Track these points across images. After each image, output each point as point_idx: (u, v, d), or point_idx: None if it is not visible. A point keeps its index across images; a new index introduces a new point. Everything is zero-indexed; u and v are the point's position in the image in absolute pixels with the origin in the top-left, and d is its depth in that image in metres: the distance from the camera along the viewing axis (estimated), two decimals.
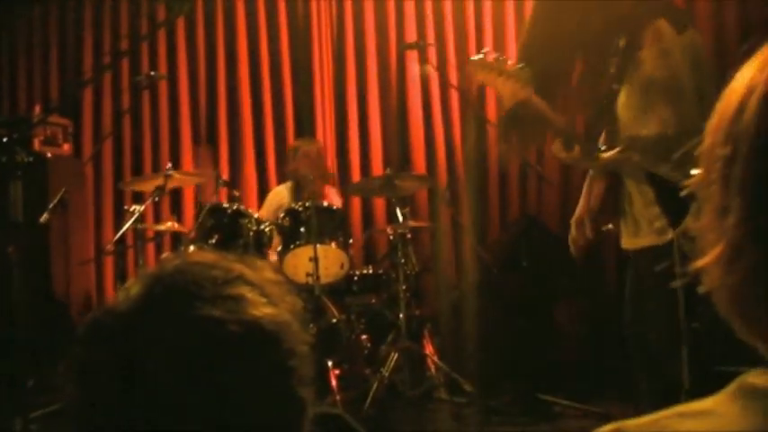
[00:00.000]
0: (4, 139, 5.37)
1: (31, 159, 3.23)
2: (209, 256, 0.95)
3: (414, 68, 6.36)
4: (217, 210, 5.21)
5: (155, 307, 0.88)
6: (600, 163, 2.84)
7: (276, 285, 0.95)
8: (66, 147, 6.42)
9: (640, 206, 2.88)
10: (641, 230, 2.89)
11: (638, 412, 0.77)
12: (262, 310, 0.90)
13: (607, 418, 4.57)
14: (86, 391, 0.87)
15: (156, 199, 5.21)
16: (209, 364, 0.85)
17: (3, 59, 7.07)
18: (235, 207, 5.24)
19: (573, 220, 3.06)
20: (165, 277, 0.91)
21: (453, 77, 6.37)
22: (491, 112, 6.29)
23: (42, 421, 4.64)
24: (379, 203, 6.36)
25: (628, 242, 2.97)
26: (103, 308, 0.92)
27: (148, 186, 5.23)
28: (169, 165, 5.29)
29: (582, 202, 3.07)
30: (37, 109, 6.41)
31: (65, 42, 6.98)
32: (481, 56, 2.91)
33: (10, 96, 7.05)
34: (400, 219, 5.08)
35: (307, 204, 5.17)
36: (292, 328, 0.92)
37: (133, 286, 0.92)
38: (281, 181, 6.37)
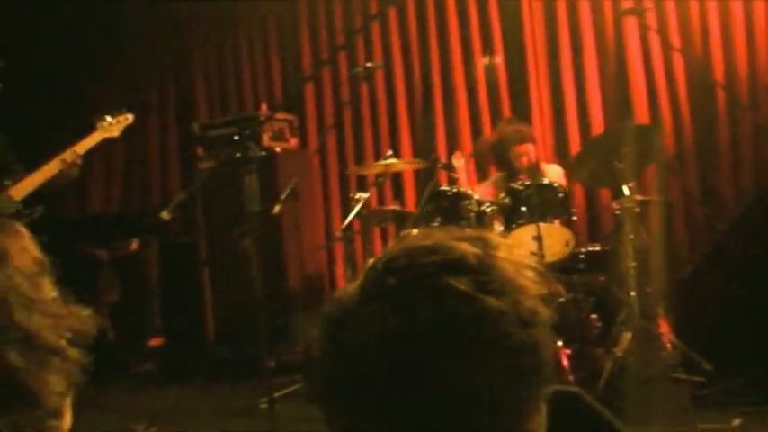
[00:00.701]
0: (235, 137, 5.73)
1: (263, 153, 3.40)
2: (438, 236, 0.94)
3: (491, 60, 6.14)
4: (437, 193, 5.26)
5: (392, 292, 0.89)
6: None
7: (512, 264, 0.93)
8: (293, 141, 6.74)
9: None
10: None
11: None
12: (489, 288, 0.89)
13: None
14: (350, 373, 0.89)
15: (381, 182, 5.33)
16: (469, 342, 0.86)
17: (228, 62, 7.50)
18: (455, 189, 5.27)
19: None
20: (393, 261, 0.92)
21: (675, 40, 6.06)
22: (718, 73, 5.93)
23: (284, 401, 4.89)
24: None
25: None
26: (338, 293, 0.95)
27: (371, 172, 5.38)
28: (390, 152, 5.41)
29: None
30: (263, 107, 6.75)
31: (283, 42, 7.30)
32: None
33: (237, 96, 7.47)
34: (626, 192, 4.90)
35: (527, 183, 5.10)
36: (526, 305, 0.91)
37: (366, 271, 0.94)
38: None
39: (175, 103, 7.70)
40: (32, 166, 4.94)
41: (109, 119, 5.14)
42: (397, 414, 0.86)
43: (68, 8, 7.31)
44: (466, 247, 0.92)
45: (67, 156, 4.91)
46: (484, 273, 0.90)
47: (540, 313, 0.92)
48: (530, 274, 0.94)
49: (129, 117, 5.23)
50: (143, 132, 7.36)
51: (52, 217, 6.61)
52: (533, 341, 0.91)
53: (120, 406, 5.65)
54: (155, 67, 7.71)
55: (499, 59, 6.27)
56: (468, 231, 0.96)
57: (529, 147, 5.59)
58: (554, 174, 5.69)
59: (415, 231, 0.98)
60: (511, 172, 5.57)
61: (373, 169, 5.69)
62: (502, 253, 0.94)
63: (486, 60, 6.35)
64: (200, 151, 6.76)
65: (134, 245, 6.77)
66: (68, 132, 5.73)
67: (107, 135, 5.12)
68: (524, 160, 5.56)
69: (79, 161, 4.95)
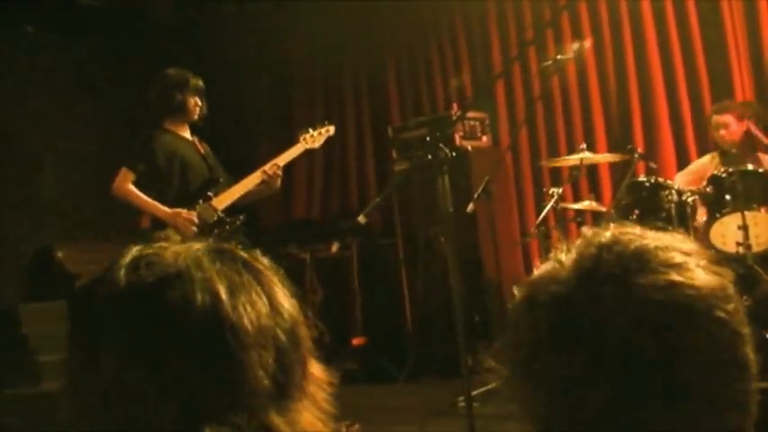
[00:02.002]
0: (427, 138, 5.82)
1: (453, 154, 3.45)
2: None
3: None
4: (635, 185, 5.14)
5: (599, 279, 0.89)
6: None
7: (700, 256, 0.92)
8: (485, 138, 6.77)
9: None
10: None
11: None
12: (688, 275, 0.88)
13: None
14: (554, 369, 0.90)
15: (575, 176, 5.27)
16: (674, 330, 0.86)
17: (419, 65, 7.63)
18: (653, 180, 5.12)
19: None
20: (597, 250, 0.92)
21: None
22: None
23: (482, 399, 4.93)
24: None
25: None
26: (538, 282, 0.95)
27: (565, 164, 5.32)
28: (583, 145, 5.33)
29: None
30: (455, 107, 6.82)
31: (472, 41, 7.35)
32: None
33: (429, 98, 7.60)
34: None
35: (730, 170, 4.88)
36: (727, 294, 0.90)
37: (564, 259, 0.94)
38: (700, 150, 6.11)
39: (370, 108, 7.92)
40: (240, 178, 5.17)
41: (311, 131, 5.35)
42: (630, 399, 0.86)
43: (271, 24, 7.72)
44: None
45: (269, 168, 5.08)
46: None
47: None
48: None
49: (331, 129, 5.41)
50: (341, 139, 7.62)
51: (258, 223, 7.03)
52: (741, 332, 0.90)
53: None
54: (349, 74, 7.97)
55: (587, 43, 6.08)
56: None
57: (728, 119, 5.35)
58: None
59: (612, 225, 0.98)
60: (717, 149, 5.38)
61: (567, 162, 5.62)
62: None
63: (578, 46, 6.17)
64: (394, 154, 6.92)
65: (334, 247, 7.02)
66: (275, 144, 6.00)
67: (309, 147, 5.32)
68: (723, 134, 5.34)
69: (280, 173, 5.12)
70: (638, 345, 0.85)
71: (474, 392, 5.01)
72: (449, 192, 3.35)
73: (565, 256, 0.94)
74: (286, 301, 0.96)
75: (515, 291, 0.97)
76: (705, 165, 5.64)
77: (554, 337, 0.89)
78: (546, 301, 0.91)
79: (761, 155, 5.50)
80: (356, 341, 6.78)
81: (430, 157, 3.33)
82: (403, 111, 7.72)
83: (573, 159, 5.33)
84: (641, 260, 0.88)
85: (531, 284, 0.95)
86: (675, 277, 0.87)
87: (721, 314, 0.87)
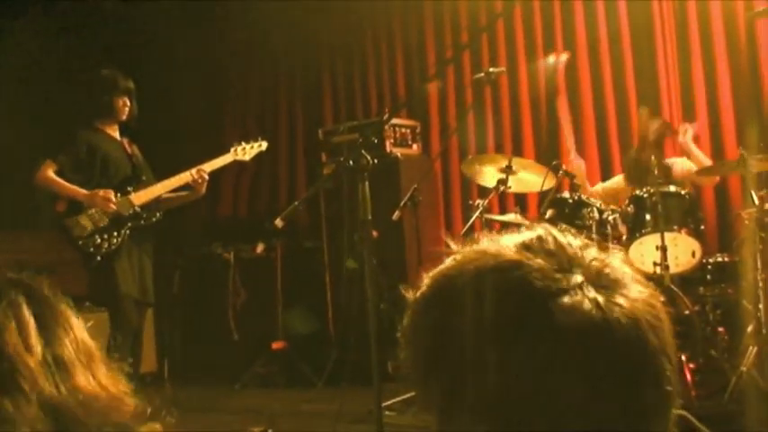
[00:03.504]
0: (360, 141, 5.78)
1: (376, 161, 3.43)
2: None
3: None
4: (558, 201, 5.19)
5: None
6: None
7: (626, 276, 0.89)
8: (416, 146, 6.78)
9: None
10: None
11: None
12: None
13: None
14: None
15: (501, 189, 5.29)
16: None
17: (355, 68, 7.60)
18: (576, 197, 5.17)
19: None
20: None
21: None
22: None
23: (400, 408, 4.92)
24: (734, 183, 5.92)
25: None
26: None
27: (487, 169, 5.35)
28: (510, 159, 5.36)
29: None
30: (387, 113, 6.81)
31: (408, 47, 7.35)
32: None
33: (363, 103, 7.58)
34: (755, 201, 4.69)
35: (652, 190, 4.96)
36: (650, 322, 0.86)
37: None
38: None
39: (304, 110, 7.87)
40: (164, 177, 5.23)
41: (243, 144, 5.43)
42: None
43: (206, 24, 7.61)
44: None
45: (194, 172, 5.18)
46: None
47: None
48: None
49: (263, 145, 5.51)
50: (272, 139, 7.52)
51: (183, 219, 6.90)
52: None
53: (240, 407, 5.83)
54: (284, 75, 7.90)
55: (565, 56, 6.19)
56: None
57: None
58: (683, 166, 5.51)
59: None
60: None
61: (491, 164, 5.59)
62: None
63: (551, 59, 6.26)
64: (324, 157, 6.89)
65: (259, 248, 6.95)
66: (203, 145, 5.99)
67: (238, 158, 5.41)
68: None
69: (206, 178, 5.19)
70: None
71: (393, 401, 5.02)
72: (368, 199, 3.33)
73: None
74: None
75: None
76: (620, 183, 5.75)
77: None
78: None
79: (672, 159, 5.62)
80: (276, 345, 6.71)
81: (351, 163, 3.30)
82: (336, 114, 7.69)
83: (500, 164, 5.32)
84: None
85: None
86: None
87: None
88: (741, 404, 4.30)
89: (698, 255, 4.94)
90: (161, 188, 5.20)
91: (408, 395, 5.44)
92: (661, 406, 0.85)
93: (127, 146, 5.29)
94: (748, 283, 4.83)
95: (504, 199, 6.51)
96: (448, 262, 0.93)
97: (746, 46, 6.03)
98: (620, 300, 0.84)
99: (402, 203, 5.30)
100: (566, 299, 0.82)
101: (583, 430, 0.81)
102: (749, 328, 4.72)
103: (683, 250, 4.93)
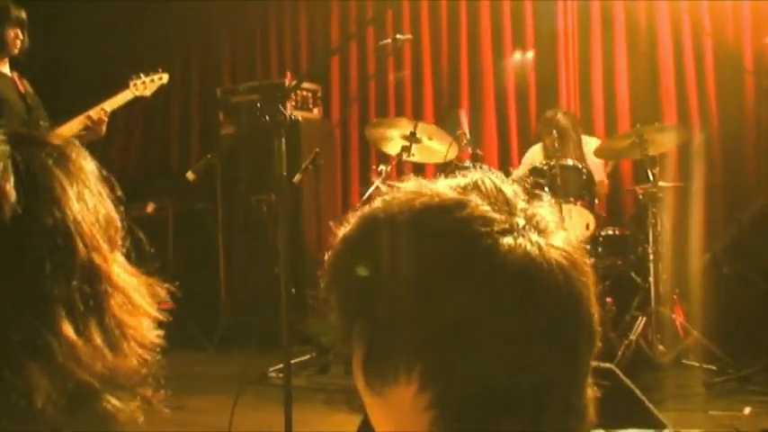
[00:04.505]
0: (258, 104, 5.67)
1: (293, 118, 3.37)
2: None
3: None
4: (460, 169, 5.24)
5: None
6: None
7: None
8: (316, 110, 6.72)
9: None
10: None
11: None
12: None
13: None
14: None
15: (402, 156, 5.29)
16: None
17: (255, 30, 7.45)
18: (478, 166, 5.23)
19: None
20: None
21: (707, 23, 6.01)
22: (747, 60, 5.88)
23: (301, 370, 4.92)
24: (625, 161, 6.13)
25: None
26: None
27: (393, 135, 5.33)
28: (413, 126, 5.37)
29: None
30: (288, 75, 6.71)
31: (312, 12, 7.26)
32: None
33: (262, 64, 7.44)
34: (650, 178, 4.87)
35: (551, 163, 5.07)
36: None
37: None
38: (523, 142, 6.33)
39: (200, 68, 7.68)
40: (63, 121, 4.86)
41: (143, 77, 5.08)
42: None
43: None
44: None
45: (94, 113, 4.81)
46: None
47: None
48: None
49: (164, 77, 5.13)
50: (165, 95, 7.32)
51: None
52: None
53: None
54: (180, 30, 7.64)
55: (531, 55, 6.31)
56: None
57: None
58: (592, 145, 5.63)
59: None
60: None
61: (395, 129, 5.57)
62: None
63: (517, 56, 6.34)
64: (221, 117, 6.75)
65: (150, 207, 6.75)
66: (103, 89, 5.71)
67: (138, 94, 5.04)
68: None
69: (106, 119, 4.85)
70: None
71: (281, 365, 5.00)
72: (284, 156, 3.27)
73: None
74: None
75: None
76: (535, 152, 5.85)
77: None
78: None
79: (584, 137, 5.75)
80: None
81: (267, 118, 3.23)
82: (234, 75, 7.53)
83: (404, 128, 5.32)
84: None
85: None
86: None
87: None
88: (628, 374, 4.47)
89: (591, 227, 5.10)
90: (63, 133, 4.71)
91: (302, 358, 5.45)
92: (589, 343, 0.88)
93: (18, 82, 4.87)
94: (638, 257, 5.03)
95: (401, 169, 6.52)
96: (378, 202, 0.93)
97: (645, 30, 6.22)
98: (556, 243, 0.86)
99: (304, 167, 5.23)
100: (509, 239, 0.84)
101: (518, 364, 0.83)
102: (637, 300, 4.92)
103: (577, 222, 5.07)
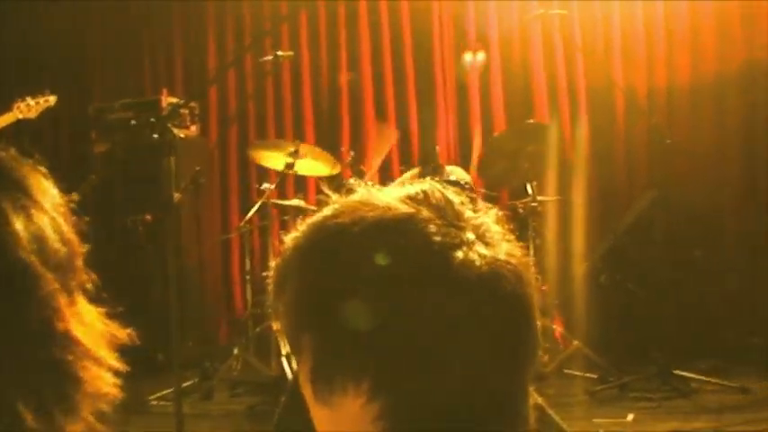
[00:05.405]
0: (132, 122, 5.50)
1: (181, 136, 3.28)
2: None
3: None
4: (344, 188, 5.23)
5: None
6: None
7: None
8: (193, 128, 6.58)
9: None
10: None
11: None
12: None
13: (744, 393, 4.44)
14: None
15: (288, 171, 5.25)
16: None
17: (129, 49, 7.24)
18: (360, 185, 5.23)
19: None
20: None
21: (579, 39, 6.21)
22: (617, 76, 6.11)
23: (171, 398, 4.77)
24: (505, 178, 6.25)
25: None
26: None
27: (274, 156, 5.31)
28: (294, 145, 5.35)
29: None
30: (164, 93, 6.53)
31: (188, 29, 7.12)
32: None
33: (135, 82, 7.22)
34: (530, 192, 5.00)
35: (435, 179, 5.11)
36: None
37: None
38: (403, 161, 6.42)
39: (70, 83, 7.38)
40: None
41: (28, 100, 4.95)
42: None
43: None
44: None
45: None
46: None
47: None
48: None
49: (51, 99, 5.04)
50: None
51: None
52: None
53: None
54: (50, 51, 7.33)
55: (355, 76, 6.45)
56: None
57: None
58: (458, 175, 5.75)
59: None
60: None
61: (278, 151, 5.54)
62: None
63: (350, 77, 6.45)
64: (93, 135, 6.51)
65: None
66: None
67: (22, 116, 4.92)
68: None
69: None
70: None
71: (165, 391, 4.84)
72: (174, 174, 3.18)
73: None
74: None
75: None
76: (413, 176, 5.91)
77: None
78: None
79: (447, 168, 5.86)
80: None
81: (156, 137, 3.14)
82: (105, 93, 7.27)
83: (285, 149, 5.29)
84: None
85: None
86: None
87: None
88: None
89: None
90: None
91: (185, 384, 5.29)
92: (534, 353, 0.91)
93: None
94: None
95: (284, 186, 6.47)
96: (328, 211, 0.92)
97: (519, 45, 6.38)
98: (502, 256, 0.87)
99: (184, 186, 5.11)
100: (460, 253, 0.85)
101: (469, 378, 0.84)
102: None
103: None
